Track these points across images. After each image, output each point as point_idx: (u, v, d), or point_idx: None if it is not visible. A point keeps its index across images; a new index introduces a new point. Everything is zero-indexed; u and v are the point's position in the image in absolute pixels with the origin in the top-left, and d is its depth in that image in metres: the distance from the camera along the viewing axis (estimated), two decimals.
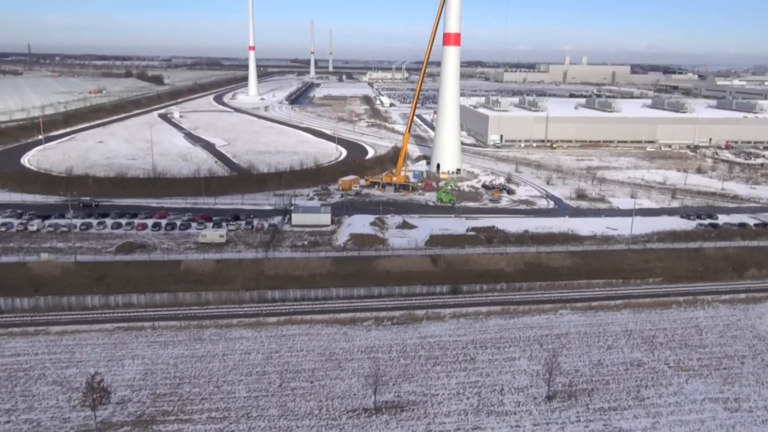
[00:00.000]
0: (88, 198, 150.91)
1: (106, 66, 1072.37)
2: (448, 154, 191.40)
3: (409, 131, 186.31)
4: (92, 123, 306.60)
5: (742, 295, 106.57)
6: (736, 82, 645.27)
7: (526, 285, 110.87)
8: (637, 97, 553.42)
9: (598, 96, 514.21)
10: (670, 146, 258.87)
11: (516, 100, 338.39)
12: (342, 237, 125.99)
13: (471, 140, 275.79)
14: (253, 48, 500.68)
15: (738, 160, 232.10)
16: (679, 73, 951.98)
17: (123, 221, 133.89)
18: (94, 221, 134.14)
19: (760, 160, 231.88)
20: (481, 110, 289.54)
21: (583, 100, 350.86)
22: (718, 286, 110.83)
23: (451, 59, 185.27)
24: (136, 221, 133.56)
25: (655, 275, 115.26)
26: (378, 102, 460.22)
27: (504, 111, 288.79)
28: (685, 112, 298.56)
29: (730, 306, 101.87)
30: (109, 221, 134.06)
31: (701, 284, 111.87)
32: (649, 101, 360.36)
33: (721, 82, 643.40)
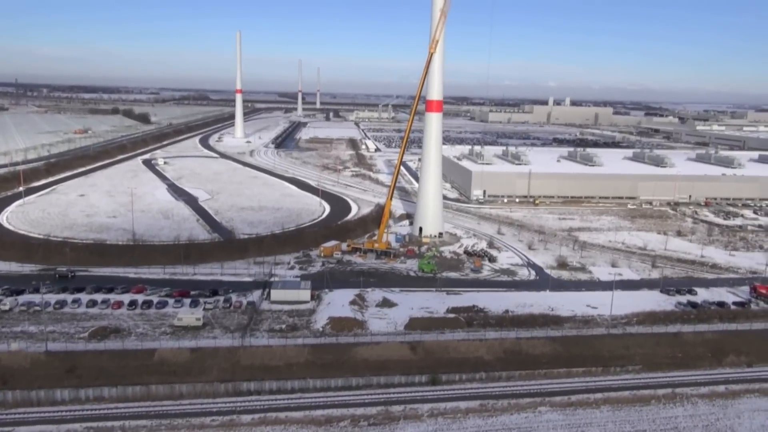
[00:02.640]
0: (64, 268, 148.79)
1: (93, 100, 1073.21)
2: (431, 219, 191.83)
3: (390, 199, 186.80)
4: (75, 171, 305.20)
5: (721, 388, 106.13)
6: (715, 127, 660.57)
7: (506, 374, 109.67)
8: (619, 142, 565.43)
9: (580, 143, 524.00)
10: (650, 203, 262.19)
11: (500, 151, 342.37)
12: (321, 320, 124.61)
13: (455, 194, 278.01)
14: (240, 91, 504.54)
15: (717, 220, 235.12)
16: (660, 115, 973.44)
17: (98, 298, 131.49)
18: (69, 297, 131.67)
19: (738, 221, 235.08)
20: (465, 164, 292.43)
21: (565, 152, 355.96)
22: (696, 376, 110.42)
23: (434, 126, 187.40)
24: (112, 299, 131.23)
25: (635, 362, 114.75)
26: (363, 146, 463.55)
27: (487, 164, 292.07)
28: (665, 167, 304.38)
29: (708, 402, 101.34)
30: (84, 298, 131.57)
31: (680, 373, 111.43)
32: (630, 153, 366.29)
33: (700, 127, 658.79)
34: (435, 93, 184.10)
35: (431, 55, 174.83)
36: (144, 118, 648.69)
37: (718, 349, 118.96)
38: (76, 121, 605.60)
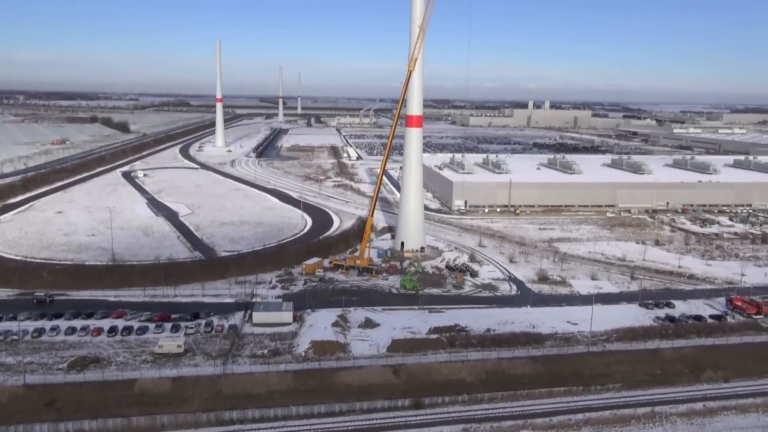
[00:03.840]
0: (42, 293, 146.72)
1: (71, 108, 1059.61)
2: (412, 233, 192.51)
3: (372, 215, 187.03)
4: (53, 186, 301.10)
5: (699, 405, 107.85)
6: (691, 129, 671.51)
7: (488, 396, 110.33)
8: (598, 146, 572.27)
9: (560, 148, 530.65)
10: (629, 211, 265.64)
11: (480, 159, 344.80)
12: (303, 343, 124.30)
13: (436, 203, 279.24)
14: (221, 100, 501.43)
15: (694, 228, 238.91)
16: (638, 117, 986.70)
17: (78, 325, 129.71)
18: (48, 325, 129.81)
19: (714, 228, 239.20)
20: (446, 173, 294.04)
21: (545, 158, 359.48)
22: (675, 393, 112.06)
23: (414, 141, 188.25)
24: (91, 325, 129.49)
25: (615, 380, 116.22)
26: (345, 154, 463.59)
27: (468, 173, 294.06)
28: (643, 173, 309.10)
29: (687, 421, 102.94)
30: (63, 325, 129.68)
31: (659, 390, 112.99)
32: (608, 159, 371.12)
33: (677, 130, 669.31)
34: (415, 108, 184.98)
35: (410, 73, 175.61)
36: (123, 127, 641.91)
37: (695, 364, 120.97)
38: (53, 131, 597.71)
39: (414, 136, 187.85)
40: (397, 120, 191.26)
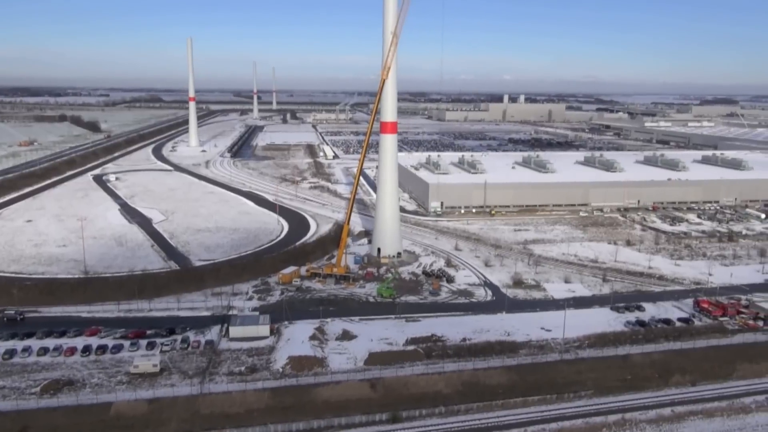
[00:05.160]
0: (12, 311, 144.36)
1: (39, 105, 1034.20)
2: (389, 239, 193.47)
3: (348, 223, 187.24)
4: (21, 192, 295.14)
5: (668, 411, 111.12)
6: (662, 123, 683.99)
7: (464, 407, 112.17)
8: (571, 141, 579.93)
9: (535, 143, 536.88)
10: (601, 210, 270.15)
11: (456, 158, 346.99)
12: (281, 359, 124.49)
13: (413, 204, 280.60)
14: (194, 99, 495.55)
15: (664, 226, 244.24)
16: (611, 110, 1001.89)
17: (50, 345, 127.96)
18: (19, 345, 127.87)
19: (683, 226, 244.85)
20: (422, 174, 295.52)
21: (520, 157, 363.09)
22: (644, 399, 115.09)
23: (389, 147, 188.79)
24: (64, 345, 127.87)
25: (587, 387, 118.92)
26: (321, 153, 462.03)
27: (444, 173, 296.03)
28: (615, 171, 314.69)
29: (655, 427, 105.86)
30: (35, 345, 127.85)
31: (629, 396, 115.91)
32: (581, 156, 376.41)
33: (648, 123, 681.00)
34: (389, 115, 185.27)
35: (383, 82, 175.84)
36: (93, 126, 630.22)
37: (664, 369, 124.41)
38: (20, 131, 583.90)
39: (389, 143, 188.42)
40: (372, 122, 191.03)
